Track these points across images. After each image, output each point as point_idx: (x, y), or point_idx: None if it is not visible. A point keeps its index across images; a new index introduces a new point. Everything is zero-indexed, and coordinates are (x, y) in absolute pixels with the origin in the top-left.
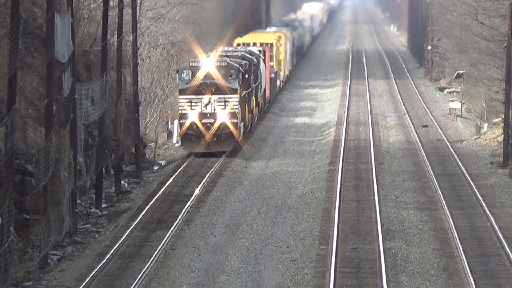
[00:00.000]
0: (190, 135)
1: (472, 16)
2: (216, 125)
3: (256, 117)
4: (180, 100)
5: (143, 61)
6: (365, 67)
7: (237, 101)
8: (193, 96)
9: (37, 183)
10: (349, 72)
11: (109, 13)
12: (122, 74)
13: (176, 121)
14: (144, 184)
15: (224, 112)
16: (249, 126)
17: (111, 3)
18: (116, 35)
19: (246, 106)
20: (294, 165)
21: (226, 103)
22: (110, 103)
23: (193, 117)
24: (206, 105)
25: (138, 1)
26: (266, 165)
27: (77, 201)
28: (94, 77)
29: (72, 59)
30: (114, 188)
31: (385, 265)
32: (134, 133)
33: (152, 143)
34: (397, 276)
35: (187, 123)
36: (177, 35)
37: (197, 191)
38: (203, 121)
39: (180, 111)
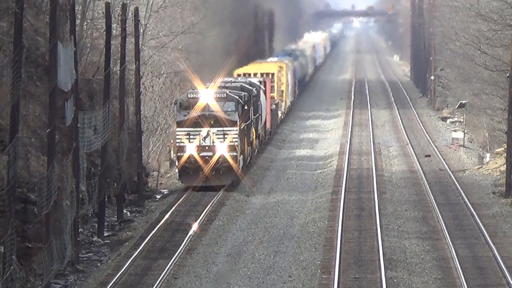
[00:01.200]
0: (188, 168)
1: (475, 46)
2: (215, 158)
3: (256, 150)
4: (178, 133)
5: (146, 90)
6: (368, 97)
7: (236, 134)
8: (192, 129)
9: (39, 212)
10: (352, 102)
11: (112, 42)
12: (125, 103)
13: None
14: (147, 213)
15: (223, 145)
16: (249, 158)
17: (114, 32)
18: (119, 64)
19: (246, 139)
20: (296, 194)
21: (225, 136)
22: (112, 132)
23: (191, 150)
24: (205, 137)
25: (141, 30)
26: (268, 195)
27: (79, 229)
28: (96, 106)
29: (75, 88)
30: (116, 217)
31: None
32: (136, 162)
33: (154, 172)
34: None
35: (185, 156)
36: (180, 64)
37: (195, 226)
38: (201, 154)
39: (178, 144)
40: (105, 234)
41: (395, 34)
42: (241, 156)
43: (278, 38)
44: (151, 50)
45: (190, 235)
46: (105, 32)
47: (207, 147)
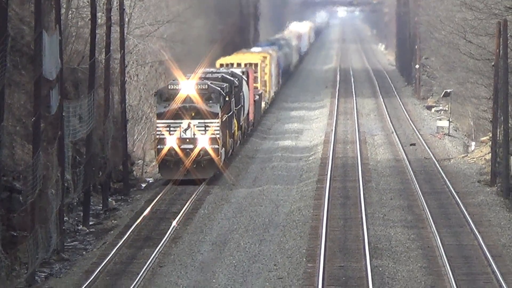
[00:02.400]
0: (168, 162)
1: (460, 34)
2: (196, 151)
3: (239, 141)
4: (158, 125)
5: (131, 79)
6: (353, 86)
7: (218, 126)
8: (172, 121)
9: (24, 200)
10: (337, 91)
11: (97, 31)
12: (110, 92)
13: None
14: (132, 202)
15: (204, 137)
16: (230, 151)
17: (99, 21)
18: (104, 53)
19: (227, 131)
20: (281, 183)
21: (207, 128)
22: (97, 121)
23: (171, 142)
24: (186, 130)
25: (126, 19)
26: (253, 184)
27: (65, 218)
28: (82, 94)
29: (60, 77)
30: (101, 205)
31: (372, 283)
32: (121, 151)
33: (139, 161)
34: None
35: (165, 148)
36: (164, 54)
37: (174, 223)
38: (182, 146)
39: (158, 136)
40: (90, 223)
41: (380, 23)
42: (223, 148)
43: (264, 27)
44: (136, 39)
45: (171, 230)
46: (90, 21)
47: (188, 140)
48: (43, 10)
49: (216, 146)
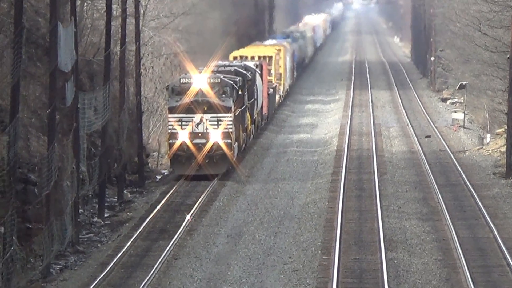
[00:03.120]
0: (181, 156)
1: (475, 27)
2: (209, 145)
3: (252, 135)
4: (169, 119)
5: (146, 71)
6: (368, 78)
7: (230, 120)
8: (184, 115)
9: (39, 192)
10: (352, 83)
11: (112, 23)
12: (125, 83)
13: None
14: (147, 194)
15: (217, 132)
16: (244, 145)
17: (114, 13)
18: (119, 45)
19: (240, 125)
20: (296, 175)
21: (219, 122)
22: (113, 113)
23: (183, 137)
24: (198, 124)
25: (141, 11)
26: (268, 176)
27: (80, 210)
28: (97, 86)
29: (75, 69)
30: (116, 197)
31: (387, 275)
32: (137, 143)
33: (155, 153)
34: (399, 286)
35: (177, 143)
36: (176, 47)
37: (188, 217)
38: (194, 141)
39: (169, 131)
40: (105, 215)
41: (396, 15)
42: (236, 143)
43: (279, 19)
44: (152, 31)
45: (186, 223)
46: (105, 13)
47: (200, 134)
48: (59, 2)
49: (229, 141)
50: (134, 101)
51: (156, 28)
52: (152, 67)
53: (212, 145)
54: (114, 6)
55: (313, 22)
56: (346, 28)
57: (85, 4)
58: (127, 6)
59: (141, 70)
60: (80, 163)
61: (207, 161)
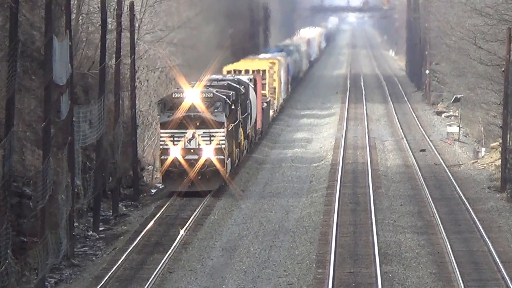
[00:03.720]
0: (173, 173)
1: (470, 40)
2: (201, 161)
3: (245, 151)
4: (161, 135)
5: (141, 84)
6: (363, 92)
7: (223, 136)
8: (176, 130)
9: (34, 206)
10: (347, 96)
11: (107, 37)
12: (120, 97)
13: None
14: (142, 207)
15: (209, 147)
16: (237, 161)
17: (109, 26)
18: (114, 58)
19: (233, 141)
20: (291, 188)
21: (212, 138)
22: (108, 126)
23: (175, 153)
24: (190, 140)
25: (136, 25)
26: (263, 190)
27: (75, 224)
28: (92, 100)
29: (70, 82)
30: (111, 211)
31: None
32: (131, 156)
33: (149, 166)
34: None
35: (169, 159)
36: (169, 60)
37: (182, 232)
38: (186, 157)
39: (161, 146)
40: (100, 229)
41: (391, 29)
42: (229, 159)
43: (274, 32)
44: (147, 44)
45: (180, 237)
46: (100, 27)
47: (192, 150)
48: (54, 15)
49: (222, 157)
50: (129, 115)
51: (151, 41)
52: (147, 81)
53: (205, 161)
54: (109, 20)
55: (308, 35)
56: (341, 41)
57: (80, 17)
58: (122, 20)
59: (136, 84)
60: (75, 176)
61: (199, 178)
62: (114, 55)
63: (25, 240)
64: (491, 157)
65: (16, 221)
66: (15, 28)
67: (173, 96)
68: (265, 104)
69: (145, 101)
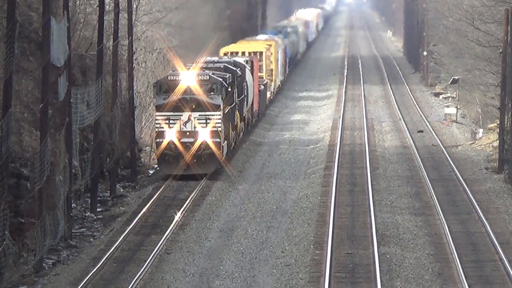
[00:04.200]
0: (168, 156)
1: (468, 21)
2: (197, 144)
3: (242, 133)
4: (157, 117)
5: (139, 65)
6: (361, 73)
7: (220, 119)
8: (172, 113)
9: (32, 187)
10: (345, 78)
11: (105, 18)
12: (118, 78)
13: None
14: (139, 188)
15: (205, 130)
16: (233, 144)
17: (107, 7)
18: (112, 39)
19: (230, 123)
20: (289, 170)
21: (208, 121)
22: (105, 107)
23: (171, 135)
24: (186, 122)
25: (134, 6)
26: (261, 171)
27: (72, 205)
28: (89, 81)
29: (68, 63)
30: (109, 192)
31: (379, 270)
32: (129, 137)
33: (147, 147)
34: (392, 281)
35: (165, 142)
36: (173, 40)
37: (177, 217)
38: (182, 140)
39: (157, 129)
40: (98, 210)
41: (388, 10)
42: (225, 142)
43: (271, 14)
44: (144, 25)
45: (174, 224)
46: (98, 7)
47: (188, 133)
48: None
49: (218, 140)
50: (126, 96)
51: (149, 22)
52: (145, 62)
53: (201, 144)
54: (106, 1)
55: (306, 16)
56: (339, 22)
57: None
58: (119, 0)
59: (134, 65)
60: (72, 157)
61: (195, 161)
62: (111, 37)
63: (23, 221)
64: (489, 138)
65: (14, 202)
66: (13, 9)
67: (168, 78)
68: (262, 86)
69: (142, 82)
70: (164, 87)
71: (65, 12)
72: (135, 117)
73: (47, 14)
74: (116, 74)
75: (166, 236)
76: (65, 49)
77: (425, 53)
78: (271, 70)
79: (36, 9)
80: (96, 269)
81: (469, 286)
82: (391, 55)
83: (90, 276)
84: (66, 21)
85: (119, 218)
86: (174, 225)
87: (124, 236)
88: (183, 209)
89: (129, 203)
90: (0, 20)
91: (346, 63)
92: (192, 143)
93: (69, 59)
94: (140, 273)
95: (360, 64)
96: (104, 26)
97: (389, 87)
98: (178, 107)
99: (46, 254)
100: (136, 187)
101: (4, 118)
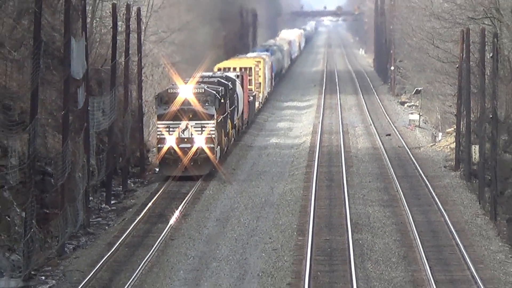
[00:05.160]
0: (168, 159)
1: (429, 41)
2: (193, 149)
3: (233, 139)
4: (158, 126)
5: (147, 78)
6: (337, 85)
7: (213, 127)
8: (171, 122)
9: (55, 183)
10: (323, 89)
11: (117, 37)
12: (129, 89)
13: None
14: (147, 184)
15: (201, 137)
16: (225, 148)
17: (119, 28)
18: (123, 56)
19: (222, 130)
20: (275, 168)
21: (203, 129)
22: (118, 114)
23: (171, 142)
24: (184, 130)
25: (143, 27)
26: (251, 169)
27: (90, 198)
28: (104, 91)
29: (86, 76)
30: (121, 187)
31: (353, 254)
32: (139, 140)
33: (154, 149)
34: (364, 263)
35: (165, 147)
36: (176, 56)
37: (177, 213)
38: (180, 145)
39: (158, 136)
40: (112, 202)
41: (361, 31)
42: (218, 147)
43: (261, 34)
44: (151, 44)
45: (172, 223)
46: (111, 29)
47: (186, 139)
48: (72, 19)
49: (212, 145)
50: (136, 104)
51: (155, 41)
52: (152, 75)
53: (197, 149)
54: (119, 23)
55: (289, 36)
56: (319, 42)
57: (94, 21)
58: (130, 23)
59: (143, 78)
60: (90, 157)
61: (192, 164)
62: (123, 53)
63: (47, 212)
64: (447, 141)
65: (40, 196)
66: (38, 30)
67: (168, 91)
68: (251, 98)
69: (150, 93)
70: (164, 99)
71: (84, 32)
72: (144, 122)
73: (68, 35)
74: (127, 86)
75: (171, 225)
76: (84, 64)
77: (392, 67)
78: (259, 83)
79: (59, 30)
80: (111, 253)
81: (430, 267)
82: (363, 69)
83: (105, 259)
84: (84, 40)
85: (130, 209)
86: (177, 215)
87: (134, 225)
88: (185, 202)
89: (138, 196)
90: (27, 40)
91: (324, 76)
92: (189, 148)
93: (87, 73)
94: (148, 256)
95: (337, 77)
96: (117, 45)
97: (362, 97)
98: (177, 117)
99: (68, 240)
100: (145, 183)
101: (31, 123)
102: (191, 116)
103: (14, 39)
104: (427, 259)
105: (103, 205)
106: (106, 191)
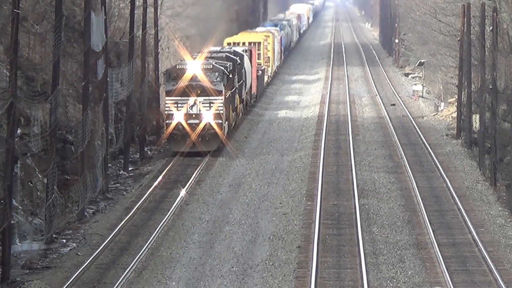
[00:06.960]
0: (176, 135)
1: (432, 15)
2: (201, 125)
3: (241, 113)
4: (166, 101)
5: (163, 51)
6: (344, 57)
7: (221, 102)
8: (179, 98)
9: (75, 150)
10: (331, 61)
11: (135, 12)
12: (146, 61)
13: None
14: (163, 151)
15: (209, 113)
16: (233, 124)
17: (137, 3)
18: (141, 29)
19: (230, 106)
20: (285, 136)
21: (211, 105)
22: (135, 85)
23: (179, 117)
24: (192, 106)
25: (159, 2)
26: (262, 137)
27: (109, 164)
28: (123, 63)
29: (105, 49)
30: (138, 154)
31: (360, 218)
32: (155, 110)
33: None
34: (370, 227)
35: (173, 123)
36: (191, 29)
37: (183, 192)
38: (188, 121)
39: (166, 112)
40: (129, 169)
41: (367, 5)
42: (226, 123)
43: (270, 7)
44: (167, 18)
45: (179, 199)
46: (130, 3)
47: (194, 115)
48: None
49: (220, 121)
50: (153, 76)
51: (171, 15)
52: (168, 48)
53: (205, 125)
54: None
55: (298, 11)
56: (326, 16)
57: None
58: None
59: (159, 50)
60: (109, 126)
61: (200, 140)
62: (141, 27)
63: (68, 178)
64: (449, 110)
65: (61, 163)
66: (60, 5)
67: (177, 67)
68: (260, 72)
69: (166, 65)
70: (173, 75)
71: (103, 7)
72: (160, 93)
73: (88, 9)
74: (145, 58)
75: (186, 190)
76: (103, 37)
77: (396, 40)
78: (268, 57)
79: (79, 5)
80: (128, 217)
81: (433, 231)
82: (369, 42)
83: (123, 223)
84: (103, 14)
85: (147, 176)
86: (193, 179)
87: (151, 190)
88: (199, 168)
89: (155, 163)
90: (49, 14)
91: (332, 49)
92: (197, 124)
93: (106, 46)
94: (164, 220)
95: (344, 50)
96: (134, 19)
97: (368, 69)
98: (185, 93)
99: (87, 205)
100: (161, 150)
101: (53, 93)
102: (199, 92)
103: (37, 13)
104: (430, 223)
105: (121, 172)
106: (124, 158)
